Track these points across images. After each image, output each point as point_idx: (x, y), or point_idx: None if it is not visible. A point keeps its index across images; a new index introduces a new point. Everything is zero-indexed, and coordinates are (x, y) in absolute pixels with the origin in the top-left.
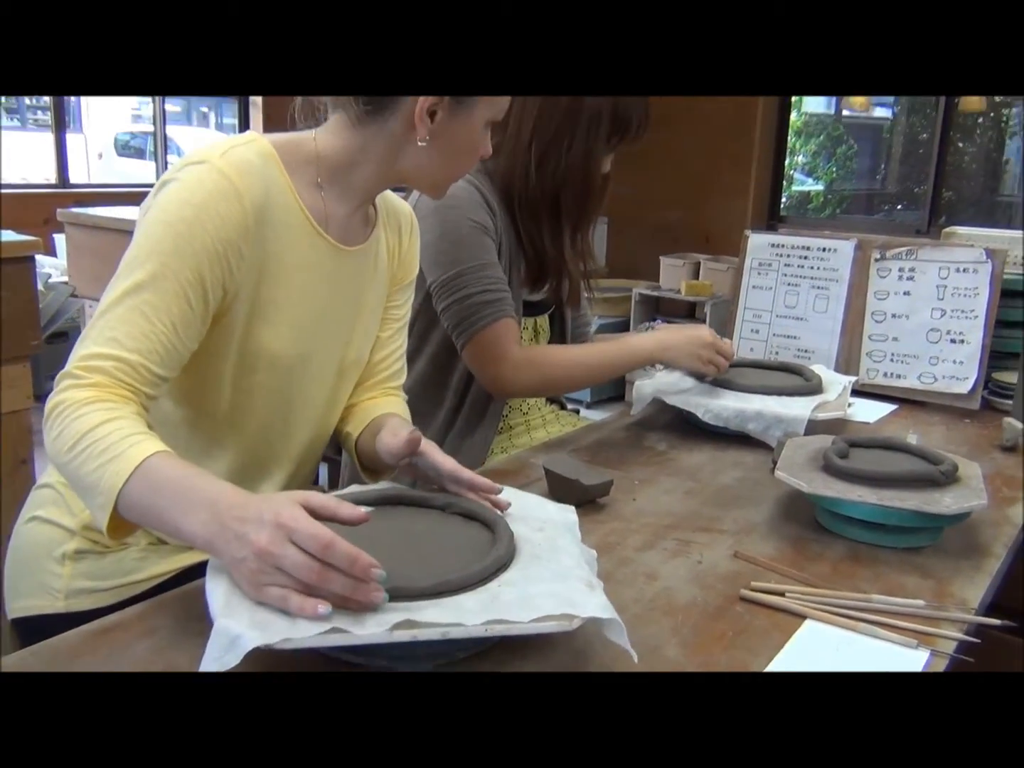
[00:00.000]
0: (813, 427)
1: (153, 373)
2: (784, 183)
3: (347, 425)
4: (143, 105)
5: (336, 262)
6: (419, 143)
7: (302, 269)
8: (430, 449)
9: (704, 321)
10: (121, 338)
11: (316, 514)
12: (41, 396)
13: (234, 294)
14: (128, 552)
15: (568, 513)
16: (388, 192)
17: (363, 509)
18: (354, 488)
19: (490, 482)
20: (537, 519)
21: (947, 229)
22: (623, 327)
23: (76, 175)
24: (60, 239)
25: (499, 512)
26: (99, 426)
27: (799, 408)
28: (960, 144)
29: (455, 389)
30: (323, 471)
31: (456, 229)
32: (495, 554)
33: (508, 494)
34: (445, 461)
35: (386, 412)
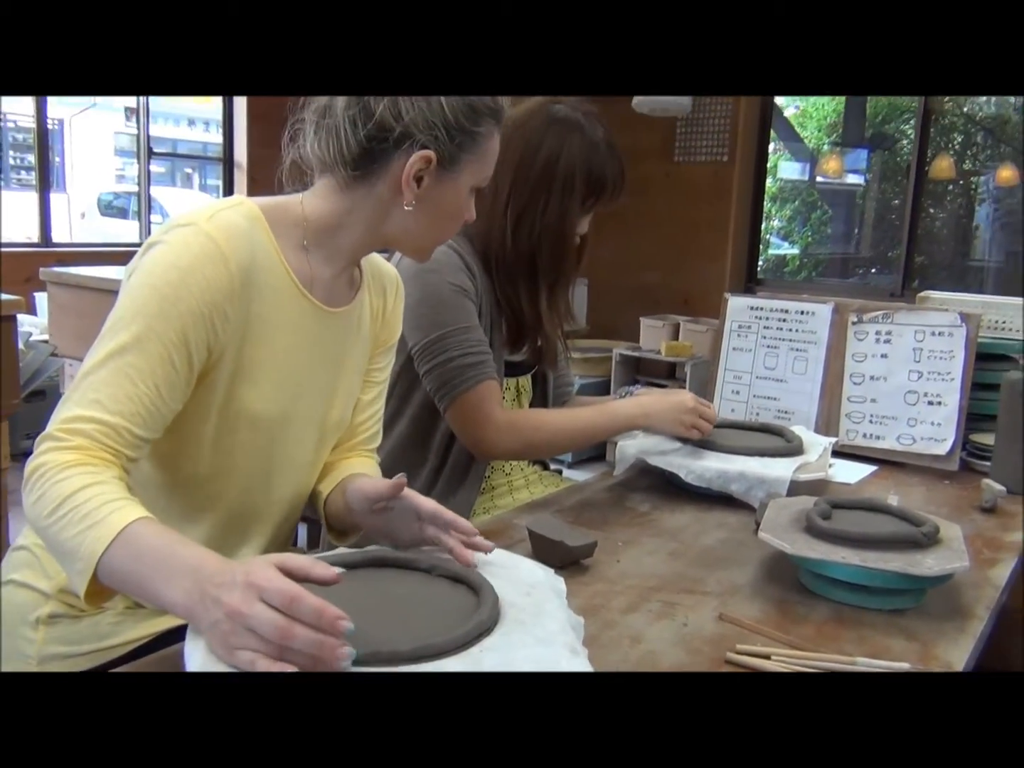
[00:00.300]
0: (795, 488)
1: (136, 436)
2: (761, 247)
3: (319, 483)
4: (127, 165)
5: (320, 323)
6: (406, 207)
7: (287, 330)
8: (410, 492)
9: (684, 382)
10: (104, 400)
11: (291, 575)
12: (17, 455)
13: (218, 354)
14: (104, 616)
15: (558, 581)
16: (374, 255)
17: (336, 570)
18: (341, 550)
19: (470, 525)
20: (525, 583)
21: (921, 293)
22: (604, 387)
23: (58, 234)
24: (41, 298)
25: (480, 561)
26: (80, 490)
27: (781, 469)
28: (931, 210)
29: (437, 450)
30: (302, 532)
31: (437, 293)
32: (478, 618)
33: (499, 557)
34: (426, 502)
35: (358, 472)
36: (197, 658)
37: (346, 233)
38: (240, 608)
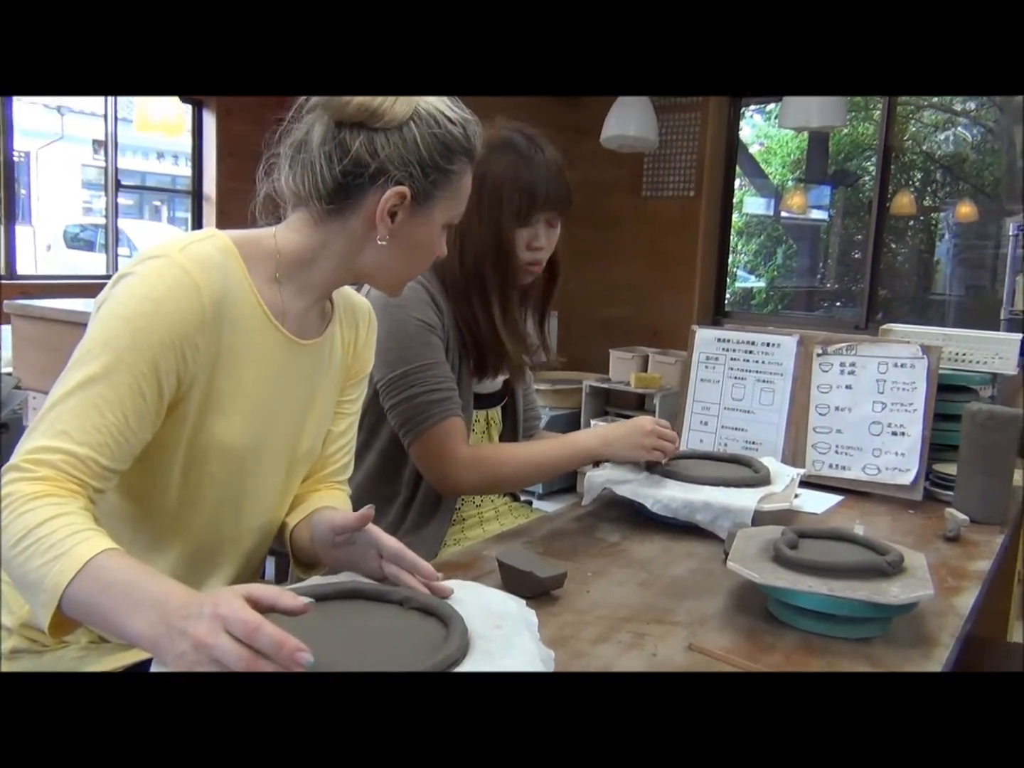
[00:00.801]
0: (761, 518)
1: (103, 467)
2: (728, 280)
3: (287, 515)
4: (95, 198)
5: (291, 355)
6: (379, 242)
7: (257, 362)
8: (374, 528)
9: (654, 413)
10: (72, 431)
11: (258, 605)
12: None
13: (188, 385)
14: (67, 651)
15: (529, 613)
16: (347, 288)
17: (304, 600)
18: (314, 580)
19: (432, 569)
20: (496, 615)
21: (884, 326)
22: (574, 418)
23: (23, 267)
24: (5, 330)
25: (448, 597)
26: (46, 522)
27: (745, 499)
28: (893, 245)
29: (407, 483)
30: (270, 565)
31: (402, 328)
32: (446, 651)
33: (471, 589)
34: (389, 540)
35: (327, 505)
36: None
37: (319, 266)
38: (206, 639)
